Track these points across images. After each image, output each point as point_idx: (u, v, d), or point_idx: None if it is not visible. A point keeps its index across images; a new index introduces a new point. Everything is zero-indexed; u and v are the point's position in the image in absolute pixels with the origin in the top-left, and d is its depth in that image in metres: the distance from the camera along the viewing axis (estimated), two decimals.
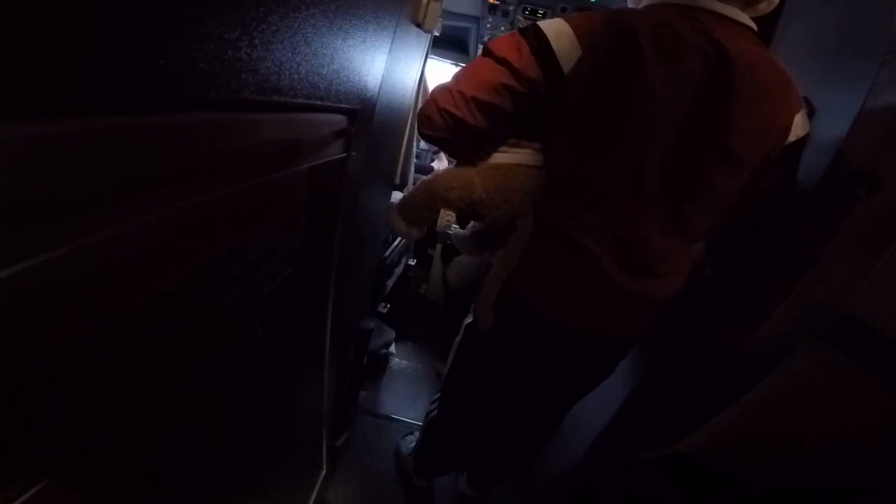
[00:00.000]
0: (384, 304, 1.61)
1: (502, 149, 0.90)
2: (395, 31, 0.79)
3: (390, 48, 0.79)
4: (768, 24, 1.05)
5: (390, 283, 1.66)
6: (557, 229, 0.85)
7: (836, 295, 0.89)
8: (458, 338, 1.14)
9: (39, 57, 0.22)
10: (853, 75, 0.79)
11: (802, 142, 0.84)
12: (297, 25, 0.46)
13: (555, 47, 0.74)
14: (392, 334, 1.80)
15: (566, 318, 0.89)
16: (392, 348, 1.91)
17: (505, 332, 0.97)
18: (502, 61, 0.76)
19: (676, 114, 0.73)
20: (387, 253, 1.49)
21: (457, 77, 0.81)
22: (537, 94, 0.77)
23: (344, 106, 0.70)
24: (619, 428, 1.27)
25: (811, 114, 0.90)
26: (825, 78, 0.89)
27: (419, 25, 0.97)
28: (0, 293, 0.23)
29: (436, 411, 1.30)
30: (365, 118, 0.81)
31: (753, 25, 0.75)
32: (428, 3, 0.97)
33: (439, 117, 0.80)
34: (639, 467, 1.21)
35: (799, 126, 0.81)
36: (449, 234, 1.01)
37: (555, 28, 0.74)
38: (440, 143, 0.86)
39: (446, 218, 0.93)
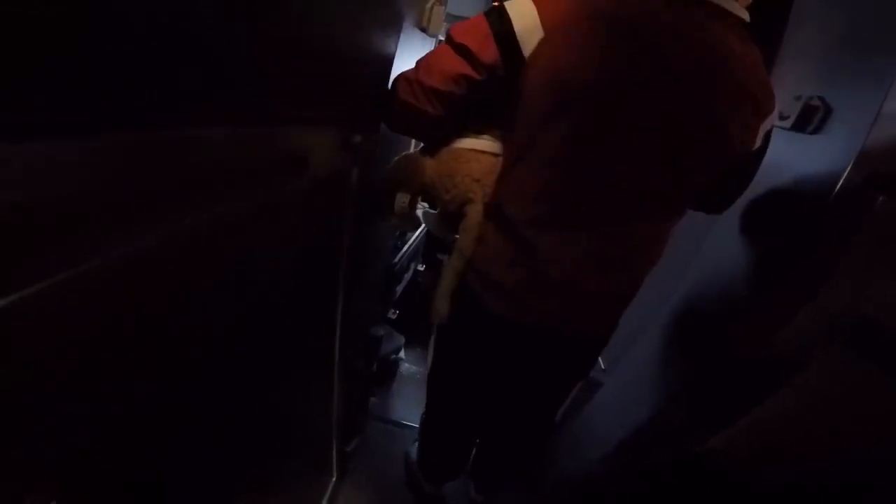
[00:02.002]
0: (393, 310, 1.61)
1: (463, 132, 0.88)
2: (399, 38, 0.79)
3: (396, 55, 0.79)
4: (777, 22, 1.03)
5: (399, 288, 1.65)
6: (508, 223, 0.82)
7: (856, 299, 0.86)
8: (433, 336, 1.13)
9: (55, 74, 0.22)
10: (871, 74, 0.77)
11: (763, 149, 0.82)
12: (298, 35, 0.46)
13: (516, 28, 0.69)
14: (401, 340, 1.80)
15: (520, 316, 0.86)
16: (401, 354, 1.91)
17: (464, 326, 0.95)
18: (460, 48, 0.72)
19: (645, 110, 0.69)
20: (396, 259, 1.49)
21: (418, 65, 0.78)
22: (497, 78, 0.74)
23: (349, 116, 0.70)
24: (632, 432, 1.25)
25: (828, 114, 0.88)
26: (841, 78, 0.86)
27: (424, 30, 0.97)
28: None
29: (425, 413, 1.30)
30: (371, 128, 0.81)
31: (746, 16, 0.71)
32: (432, 8, 0.97)
33: (400, 109, 0.78)
34: (649, 471, 1.19)
35: (762, 135, 0.78)
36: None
37: (518, 7, 0.70)
38: (403, 132, 0.87)
39: (402, 200, 0.91)
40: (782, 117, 0.95)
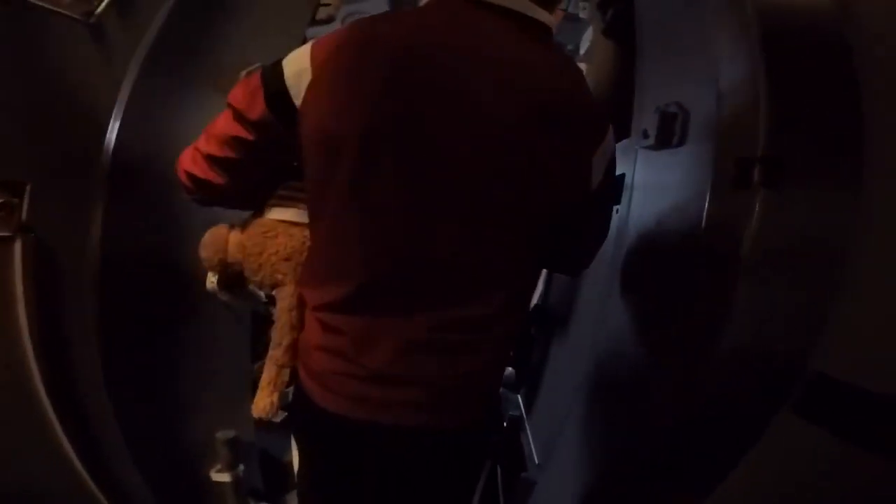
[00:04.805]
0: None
1: (273, 201, 0.80)
2: None
3: None
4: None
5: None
6: (309, 306, 0.70)
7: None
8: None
9: None
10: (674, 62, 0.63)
11: (608, 189, 0.69)
12: None
13: (286, 76, 0.59)
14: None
15: (350, 409, 0.69)
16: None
17: (301, 424, 0.79)
18: (229, 107, 0.66)
19: (430, 153, 0.57)
20: None
21: (202, 133, 0.72)
22: (274, 136, 0.64)
23: None
24: None
25: (687, 119, 0.74)
26: (690, 78, 0.74)
27: None
28: None
29: None
30: None
31: (550, 20, 0.61)
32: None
33: (186, 179, 0.72)
34: None
35: (600, 170, 0.64)
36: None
37: (295, 53, 0.61)
38: (206, 203, 0.79)
39: (210, 281, 0.83)
40: (645, 136, 0.81)
